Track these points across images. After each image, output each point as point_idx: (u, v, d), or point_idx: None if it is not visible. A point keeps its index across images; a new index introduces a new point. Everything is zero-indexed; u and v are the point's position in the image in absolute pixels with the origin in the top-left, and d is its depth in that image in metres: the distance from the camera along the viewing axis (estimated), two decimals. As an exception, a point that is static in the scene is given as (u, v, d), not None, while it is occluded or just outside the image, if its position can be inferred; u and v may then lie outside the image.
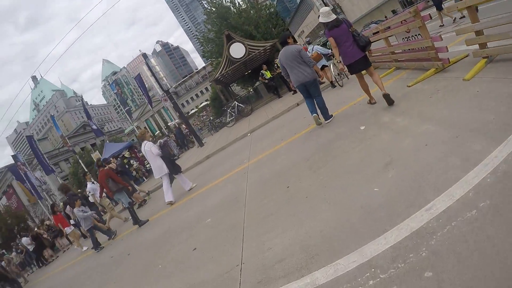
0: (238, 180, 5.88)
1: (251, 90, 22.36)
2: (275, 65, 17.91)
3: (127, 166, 20.21)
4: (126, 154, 21.63)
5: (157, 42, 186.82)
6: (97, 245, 8.12)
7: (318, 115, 6.12)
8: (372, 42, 5.93)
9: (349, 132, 4.69)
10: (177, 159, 9.12)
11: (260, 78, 17.88)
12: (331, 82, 10.82)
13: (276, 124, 10.43)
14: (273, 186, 4.38)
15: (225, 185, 6.20)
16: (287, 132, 7.49)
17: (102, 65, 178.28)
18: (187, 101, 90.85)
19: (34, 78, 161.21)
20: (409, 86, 5.43)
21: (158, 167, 7.63)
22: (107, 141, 27.98)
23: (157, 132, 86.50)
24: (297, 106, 11.58)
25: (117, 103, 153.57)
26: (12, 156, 25.39)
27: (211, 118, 22.33)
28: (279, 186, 4.19)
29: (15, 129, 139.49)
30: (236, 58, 18.91)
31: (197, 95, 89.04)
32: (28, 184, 25.52)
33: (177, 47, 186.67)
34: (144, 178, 20.52)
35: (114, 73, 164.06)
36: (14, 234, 31.73)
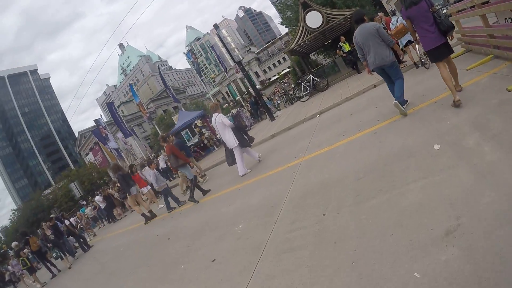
0: (285, 180, 5.28)
1: (329, 62, 20.77)
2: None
3: (191, 140, 20.84)
4: (199, 123, 22.18)
5: (240, 7, 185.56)
6: (169, 206, 8.73)
7: (396, 105, 5.20)
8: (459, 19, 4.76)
9: (418, 149, 3.64)
10: (249, 131, 8.93)
11: (337, 51, 16.34)
12: (415, 63, 9.24)
13: (346, 109, 9.35)
14: (310, 205, 3.71)
15: (272, 183, 5.67)
16: (353, 125, 6.49)
17: (186, 31, 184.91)
18: (269, 67, 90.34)
19: (121, 45, 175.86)
20: (510, 90, 3.82)
21: (230, 139, 7.61)
22: (182, 109, 29.08)
23: (237, 97, 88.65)
24: (373, 88, 10.22)
25: (201, 68, 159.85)
26: (94, 120, 27.71)
27: (286, 90, 21.43)
28: (316, 209, 3.52)
29: (104, 91, 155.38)
30: (313, 28, 17.52)
31: (279, 62, 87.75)
32: (108, 145, 27.75)
33: (260, 13, 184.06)
34: (215, 147, 20.95)
35: (198, 38, 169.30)
36: (96, 188, 35.27)
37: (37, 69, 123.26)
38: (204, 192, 8.09)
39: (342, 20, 17.70)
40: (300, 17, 17.90)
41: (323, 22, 17.20)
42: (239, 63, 17.83)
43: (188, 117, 23.30)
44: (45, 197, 54.54)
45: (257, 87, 53.34)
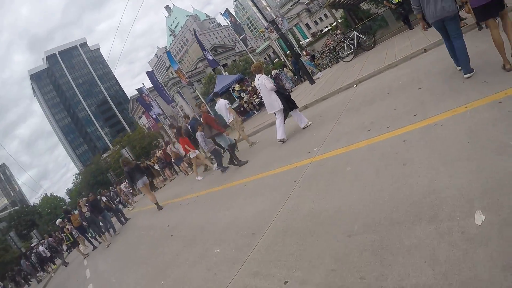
0: (282, 192, 4.35)
1: (377, 15, 18.17)
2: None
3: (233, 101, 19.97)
4: (236, 87, 21.26)
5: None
6: (222, 166, 8.61)
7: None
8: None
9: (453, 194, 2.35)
10: (290, 93, 8.29)
11: (385, 1, 14.00)
12: (477, 21, 7.29)
13: (385, 82, 7.83)
14: (282, 254, 2.84)
15: (273, 189, 4.78)
16: (383, 116, 5.11)
17: None
18: (320, 18, 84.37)
19: (167, 7, 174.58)
20: None
21: (271, 102, 7.30)
22: (223, 72, 28.22)
23: (288, 52, 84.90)
24: (423, 54, 8.47)
25: (250, 22, 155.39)
26: (137, 89, 27.85)
27: (330, 48, 19.30)
28: (283, 266, 2.63)
29: (156, 54, 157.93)
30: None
31: (325, 16, 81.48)
32: (154, 112, 27.98)
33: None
34: (254, 111, 20.07)
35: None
36: (148, 151, 36.40)
37: (86, 42, 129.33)
38: (240, 163, 7.81)
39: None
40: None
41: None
42: (272, 22, 16.14)
43: (226, 81, 22.45)
44: (104, 160, 58.68)
45: (301, 43, 50.43)
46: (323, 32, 53.75)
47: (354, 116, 6.25)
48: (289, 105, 7.30)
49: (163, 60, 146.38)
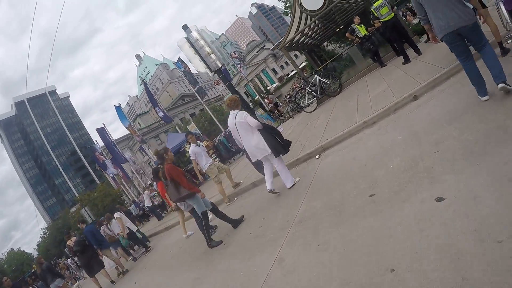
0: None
1: (341, 54, 15.86)
2: (372, 14, 11.38)
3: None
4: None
5: (252, 4, 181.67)
6: (210, 239, 5.67)
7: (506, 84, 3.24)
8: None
9: None
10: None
11: (347, 34, 11.51)
12: (500, 43, 4.66)
13: (361, 154, 5.00)
14: None
15: None
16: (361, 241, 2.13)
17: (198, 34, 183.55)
18: (286, 63, 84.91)
19: (137, 56, 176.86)
20: None
21: (257, 146, 5.56)
22: (178, 130, 25.31)
23: (256, 97, 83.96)
24: (413, 101, 5.66)
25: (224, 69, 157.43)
26: (88, 147, 25.15)
27: (291, 95, 16.62)
28: None
29: (127, 102, 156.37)
30: (312, 11, 12.79)
31: (296, 55, 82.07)
32: (109, 172, 25.08)
33: (273, 7, 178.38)
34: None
35: (212, 42, 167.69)
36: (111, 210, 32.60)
37: (55, 90, 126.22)
38: (235, 223, 5.74)
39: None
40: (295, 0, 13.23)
41: (325, 1, 12.41)
42: (218, 71, 13.38)
43: (177, 140, 19.39)
44: (72, 215, 54.48)
45: (268, 88, 48.90)
46: (289, 76, 52.78)
47: (307, 243, 3.14)
48: (281, 147, 5.51)
49: (134, 109, 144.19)
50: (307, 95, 12.41)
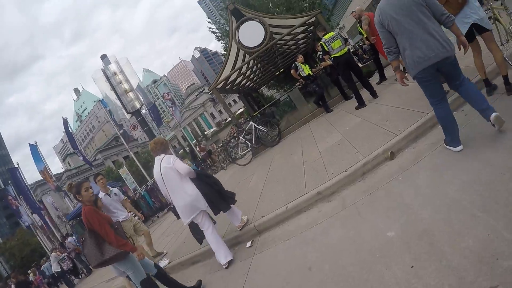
0: None
1: (281, 98, 14.35)
2: (318, 54, 9.93)
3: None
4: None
5: (196, 48, 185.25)
6: None
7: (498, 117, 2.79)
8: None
9: None
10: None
11: (292, 71, 9.77)
12: (486, 80, 3.76)
13: (315, 255, 2.82)
14: None
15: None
16: None
17: (142, 74, 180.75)
18: (234, 100, 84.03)
19: (76, 90, 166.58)
20: None
21: (191, 201, 4.04)
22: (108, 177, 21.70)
23: (193, 141, 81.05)
24: (389, 162, 3.68)
25: (161, 109, 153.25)
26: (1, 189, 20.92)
27: (223, 144, 14.19)
28: None
29: (61, 139, 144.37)
30: (250, 48, 11.10)
31: (234, 101, 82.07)
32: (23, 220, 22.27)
33: (216, 52, 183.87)
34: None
35: (155, 81, 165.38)
36: (29, 262, 27.38)
37: None
38: None
39: (298, 34, 11.45)
40: (231, 34, 11.49)
41: (266, 37, 10.81)
42: (136, 113, 10.82)
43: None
44: None
45: (206, 133, 47.13)
46: (227, 121, 51.46)
47: None
48: (222, 201, 4.19)
49: (67, 147, 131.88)
50: (240, 144, 10.25)
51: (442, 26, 3.02)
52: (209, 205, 4.15)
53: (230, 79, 12.50)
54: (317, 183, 4.26)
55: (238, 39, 11.13)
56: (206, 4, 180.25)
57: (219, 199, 4.22)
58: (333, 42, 7.33)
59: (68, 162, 75.18)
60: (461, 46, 3.07)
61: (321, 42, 7.45)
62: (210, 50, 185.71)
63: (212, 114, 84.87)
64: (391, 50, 3.19)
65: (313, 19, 11.32)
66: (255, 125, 10.01)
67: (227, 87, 13.11)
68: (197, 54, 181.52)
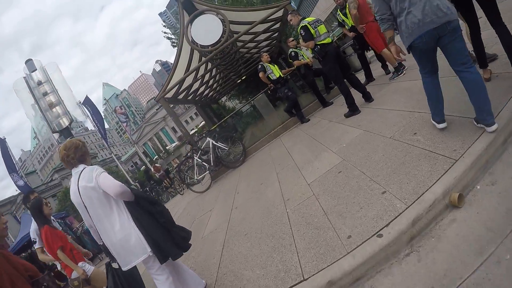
0: None
1: (244, 108, 12.35)
2: (290, 51, 8.02)
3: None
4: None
5: (157, 61, 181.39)
6: None
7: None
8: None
9: None
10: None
11: (260, 74, 7.65)
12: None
13: None
14: None
15: None
16: None
17: (102, 88, 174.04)
18: (186, 121, 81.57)
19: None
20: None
21: (125, 239, 2.59)
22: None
23: (155, 157, 76.95)
24: (458, 213, 1.61)
25: (119, 127, 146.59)
26: None
27: (180, 164, 11.65)
28: None
29: (20, 157, 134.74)
30: (205, 47, 9.05)
31: (196, 114, 79.44)
32: None
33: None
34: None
35: (116, 95, 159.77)
36: None
37: None
38: None
39: (261, 32, 9.55)
40: (182, 31, 9.35)
41: (224, 34, 8.80)
42: (65, 131, 8.39)
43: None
44: None
45: (167, 147, 44.64)
46: (191, 133, 48.95)
47: None
48: (171, 244, 2.70)
49: (25, 165, 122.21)
50: (195, 166, 8.03)
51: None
52: (152, 249, 2.61)
53: (183, 87, 10.32)
54: (320, 255, 2.24)
55: (191, 37, 9.05)
56: (167, 16, 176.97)
57: (166, 240, 2.68)
58: (319, 25, 5.43)
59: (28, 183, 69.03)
60: None
61: (305, 24, 5.42)
62: (171, 63, 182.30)
63: (173, 128, 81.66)
64: (384, 17, 2.83)
65: (280, 14, 9.51)
66: (213, 142, 7.86)
67: (180, 97, 10.89)
68: (158, 67, 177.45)
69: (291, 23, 5.52)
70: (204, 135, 8.47)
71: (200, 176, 8.04)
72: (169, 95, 10.13)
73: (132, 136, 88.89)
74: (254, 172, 6.29)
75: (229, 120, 10.60)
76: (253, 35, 10.16)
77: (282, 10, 9.00)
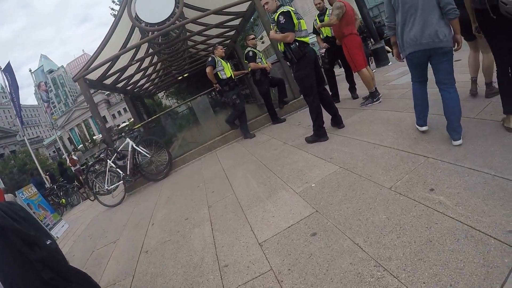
0: None
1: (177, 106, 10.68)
2: (248, 51, 6.63)
3: None
4: None
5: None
6: None
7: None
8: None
9: None
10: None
11: (208, 70, 6.07)
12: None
13: None
14: None
15: None
16: None
17: (39, 60, 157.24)
18: (119, 112, 76.35)
19: None
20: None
21: None
22: None
23: (80, 146, 69.92)
24: None
25: (47, 106, 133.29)
26: None
27: (89, 166, 9.08)
28: None
29: None
30: (151, 25, 7.36)
31: (125, 109, 74.62)
32: None
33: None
34: None
35: (51, 71, 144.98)
36: None
37: None
38: None
39: (223, 16, 8.10)
40: (124, 3, 7.51)
41: (175, 11, 7.20)
42: None
43: None
44: None
45: (95, 137, 40.90)
46: (119, 127, 44.77)
47: None
48: None
49: None
50: (108, 173, 6.19)
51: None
52: None
53: (112, 70, 8.41)
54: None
55: (135, 12, 7.31)
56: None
57: None
58: (301, 19, 4.10)
59: None
60: (455, 44, 2.79)
61: (288, 10, 3.97)
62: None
63: (104, 117, 75.85)
64: (391, 25, 3.10)
65: (245, 8, 8.19)
66: (134, 145, 6.11)
67: (106, 81, 8.91)
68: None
69: (266, 8, 4.11)
70: (124, 134, 6.66)
71: (112, 186, 6.21)
72: (93, 76, 8.17)
73: (60, 119, 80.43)
74: (179, 194, 4.73)
75: (159, 120, 8.79)
76: (205, 27, 8.61)
77: (249, 3, 7.67)
